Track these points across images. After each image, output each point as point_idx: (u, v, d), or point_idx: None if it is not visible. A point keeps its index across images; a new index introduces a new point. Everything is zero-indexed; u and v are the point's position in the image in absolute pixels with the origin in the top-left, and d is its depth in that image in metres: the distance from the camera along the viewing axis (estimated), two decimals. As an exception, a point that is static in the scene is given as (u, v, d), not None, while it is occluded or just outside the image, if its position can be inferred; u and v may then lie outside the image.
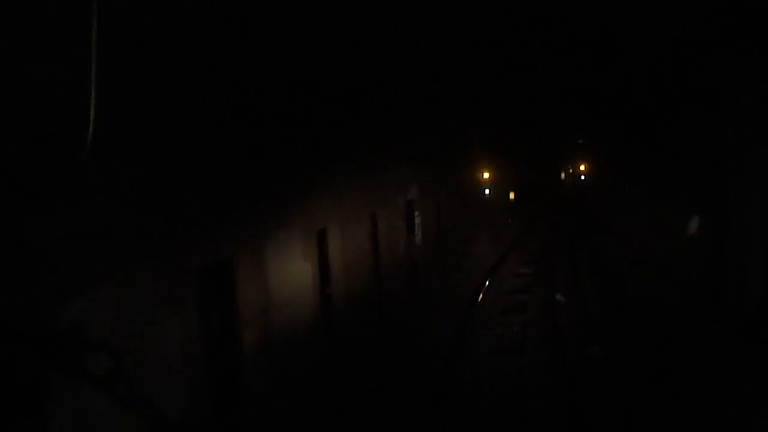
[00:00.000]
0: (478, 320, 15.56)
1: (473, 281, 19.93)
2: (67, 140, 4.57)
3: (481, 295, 18.10)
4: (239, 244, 7.90)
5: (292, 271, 9.46)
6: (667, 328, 13.47)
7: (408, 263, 17.41)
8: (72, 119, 4.51)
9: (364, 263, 13.46)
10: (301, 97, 9.92)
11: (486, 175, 32.70)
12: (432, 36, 17.23)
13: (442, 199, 22.62)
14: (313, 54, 10.43)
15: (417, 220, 18.70)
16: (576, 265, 22.04)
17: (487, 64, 24.65)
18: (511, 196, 40.96)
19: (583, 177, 51.09)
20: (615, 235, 27.72)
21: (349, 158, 12.59)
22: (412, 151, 18.46)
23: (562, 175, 58.15)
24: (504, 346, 13.43)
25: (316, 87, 10.66)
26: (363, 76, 13.20)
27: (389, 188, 16.04)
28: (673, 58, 13.99)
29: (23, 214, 4.47)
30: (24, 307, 4.45)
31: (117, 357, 4.39)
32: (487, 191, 33.62)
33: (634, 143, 22.24)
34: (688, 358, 11.61)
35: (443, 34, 18.26)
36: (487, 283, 19.73)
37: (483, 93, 26.84)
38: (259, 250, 8.41)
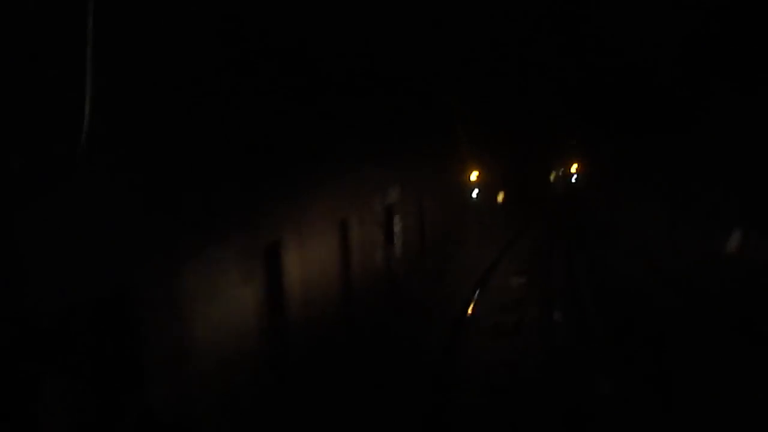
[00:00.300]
0: (465, 344, 13.62)
1: (460, 295, 17.97)
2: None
3: (468, 312, 16.26)
4: (141, 272, 5.73)
5: (225, 301, 7.28)
6: (698, 368, 10.98)
7: (386, 278, 15.29)
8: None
9: (331, 282, 11.33)
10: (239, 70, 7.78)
11: (474, 176, 30.81)
12: (419, 28, 15.83)
13: (426, 202, 20.56)
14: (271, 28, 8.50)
15: (397, 227, 16.65)
16: (575, 278, 20.00)
17: (475, 60, 23.08)
18: (500, 198, 39.07)
19: (574, 178, 49.25)
20: (621, 245, 25.03)
21: (313, 156, 10.43)
22: (393, 150, 16.35)
23: (552, 176, 56.25)
24: (494, 381, 11.38)
25: (266, 64, 8.57)
26: (334, 62, 11.24)
27: (364, 191, 13.92)
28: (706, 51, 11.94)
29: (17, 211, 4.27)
30: (15, 306, 4.24)
31: (109, 356, 4.71)
32: (475, 193, 31.68)
33: (643, 143, 20.11)
34: (729, 419, 8.92)
35: (431, 27, 16.84)
36: (476, 296, 17.85)
37: (471, 90, 25.31)
38: (173, 279, 6.24)
